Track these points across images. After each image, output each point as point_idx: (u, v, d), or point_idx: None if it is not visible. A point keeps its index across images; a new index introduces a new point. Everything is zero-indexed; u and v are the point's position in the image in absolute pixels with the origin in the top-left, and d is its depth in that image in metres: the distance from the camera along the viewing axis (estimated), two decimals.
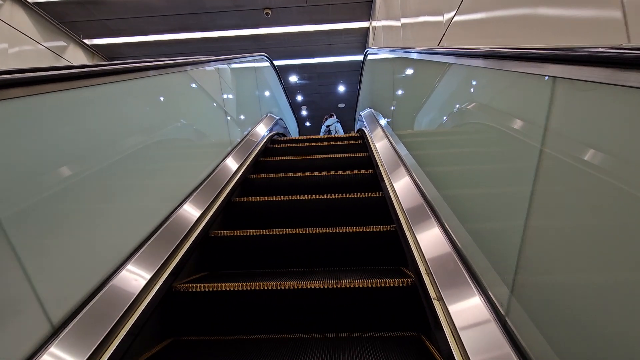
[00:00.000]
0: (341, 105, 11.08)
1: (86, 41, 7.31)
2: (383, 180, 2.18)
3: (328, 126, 8.39)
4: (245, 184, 2.56)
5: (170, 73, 1.90)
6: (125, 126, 1.41)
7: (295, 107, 11.22)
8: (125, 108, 1.44)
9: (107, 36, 7.19)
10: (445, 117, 1.55)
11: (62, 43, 7.01)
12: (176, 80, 1.98)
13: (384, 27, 5.29)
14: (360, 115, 4.62)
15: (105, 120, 1.27)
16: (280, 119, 5.02)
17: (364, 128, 3.81)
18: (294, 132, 7.28)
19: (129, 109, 1.46)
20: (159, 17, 6.57)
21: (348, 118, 12.16)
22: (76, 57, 7.28)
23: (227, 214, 2.14)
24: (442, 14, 2.46)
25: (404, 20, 3.75)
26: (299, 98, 10.62)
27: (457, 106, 1.40)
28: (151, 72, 1.67)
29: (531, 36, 1.46)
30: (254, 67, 3.92)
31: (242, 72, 3.46)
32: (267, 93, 4.70)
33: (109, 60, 8.03)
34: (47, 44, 6.61)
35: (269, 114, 4.52)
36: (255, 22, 6.82)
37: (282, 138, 4.44)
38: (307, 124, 13.01)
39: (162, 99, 1.76)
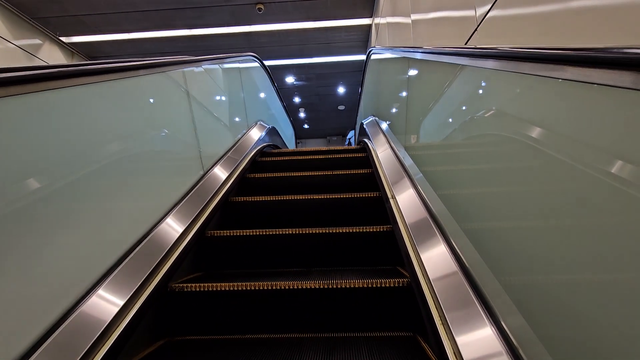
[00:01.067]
0: (341, 107, 10.50)
1: (64, 39, 6.71)
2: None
3: (349, 138, 8.72)
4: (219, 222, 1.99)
5: (110, 80, 1.34)
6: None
7: (292, 110, 10.65)
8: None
9: (86, 33, 6.59)
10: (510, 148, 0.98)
11: (36, 41, 6.42)
12: (125, 87, 1.42)
13: (389, 24, 4.71)
14: (363, 125, 4.05)
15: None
16: (273, 127, 4.44)
17: (368, 142, 3.24)
18: (290, 139, 6.71)
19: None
20: (140, 13, 5.98)
21: (348, 121, 11.60)
22: (52, 56, 6.69)
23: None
24: (472, 8, 1.89)
25: (415, 17, 3.17)
26: (297, 100, 10.03)
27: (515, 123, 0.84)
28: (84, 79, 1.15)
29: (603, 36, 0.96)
30: (239, 69, 3.34)
31: (222, 76, 2.88)
32: (256, 99, 4.12)
33: (89, 60, 7.44)
34: (18, 42, 6.01)
35: (258, 123, 3.95)
36: (247, 18, 6.22)
37: (271, 154, 3.87)
38: (305, 126, 12.43)
39: (97, 113, 1.19)
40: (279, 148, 4.65)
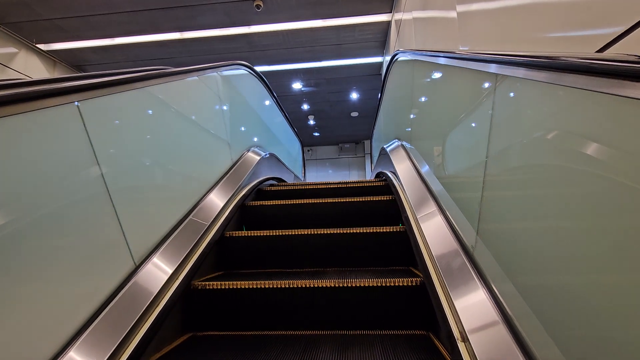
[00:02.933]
0: (354, 114, 9.55)
1: (42, 46, 5.98)
2: None
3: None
4: None
5: None
6: None
7: (301, 118, 9.75)
8: None
9: (66, 40, 5.84)
10: None
11: (10, 49, 5.70)
12: None
13: (415, 20, 3.76)
14: (386, 152, 3.11)
15: None
16: (271, 154, 3.55)
17: (398, 188, 2.31)
18: (295, 158, 5.81)
19: None
20: (123, 14, 5.18)
21: (362, 128, 10.64)
22: (29, 66, 5.96)
23: None
24: None
25: (464, 8, 2.22)
26: (305, 107, 9.13)
27: None
28: None
29: None
30: (217, 84, 2.45)
31: (183, 100, 2.00)
32: (246, 119, 3.24)
33: (74, 69, 6.70)
34: None
35: (251, 150, 3.06)
36: (244, 17, 5.35)
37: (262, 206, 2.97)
38: (316, 134, 11.52)
39: None
40: (283, 181, 3.75)
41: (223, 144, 2.46)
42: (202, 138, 2.14)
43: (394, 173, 2.60)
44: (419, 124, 2.30)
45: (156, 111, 1.66)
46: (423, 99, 2.14)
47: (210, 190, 2.09)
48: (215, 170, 2.27)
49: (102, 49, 6.11)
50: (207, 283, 1.49)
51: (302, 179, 6.29)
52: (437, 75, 1.82)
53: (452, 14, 2.41)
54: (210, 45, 6.10)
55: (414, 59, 2.28)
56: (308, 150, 12.64)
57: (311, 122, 10.11)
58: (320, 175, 12.82)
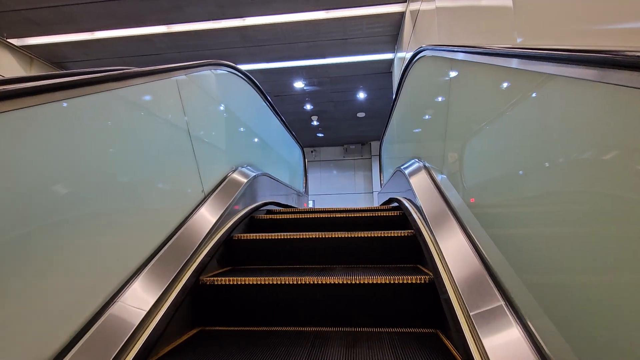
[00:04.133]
0: (361, 114, 8.87)
1: (14, 41, 5.38)
2: None
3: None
4: None
5: None
6: None
7: (303, 118, 9.07)
8: None
9: (40, 34, 5.25)
10: None
11: None
12: None
13: (440, 10, 3.09)
14: (404, 174, 2.47)
15: None
16: (263, 174, 2.91)
17: (431, 247, 1.66)
18: (295, 167, 5.17)
19: None
20: (98, 5, 4.55)
21: (369, 129, 9.99)
22: (2, 63, 5.36)
23: None
24: None
25: None
26: (308, 107, 8.46)
27: None
28: None
29: None
30: (179, 94, 1.81)
31: (126, 114, 1.37)
32: (227, 134, 2.60)
33: (53, 67, 6.10)
34: None
35: (237, 170, 2.45)
36: (238, 9, 4.70)
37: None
38: (320, 135, 10.86)
39: None
40: (279, 205, 3.10)
41: (189, 174, 1.82)
42: (151, 173, 1.51)
43: (428, 226, 1.95)
44: (463, 149, 1.64)
45: (64, 136, 1.03)
46: (476, 115, 1.48)
47: (168, 240, 1.46)
48: (180, 210, 1.63)
49: (80, 44, 5.49)
50: None
51: (303, 191, 5.66)
52: (531, 90, 1.16)
53: (504, 2, 1.74)
54: (201, 39, 5.46)
55: (455, 58, 1.62)
56: (311, 152, 12.00)
57: (314, 122, 9.45)
58: (325, 177, 12.19)
